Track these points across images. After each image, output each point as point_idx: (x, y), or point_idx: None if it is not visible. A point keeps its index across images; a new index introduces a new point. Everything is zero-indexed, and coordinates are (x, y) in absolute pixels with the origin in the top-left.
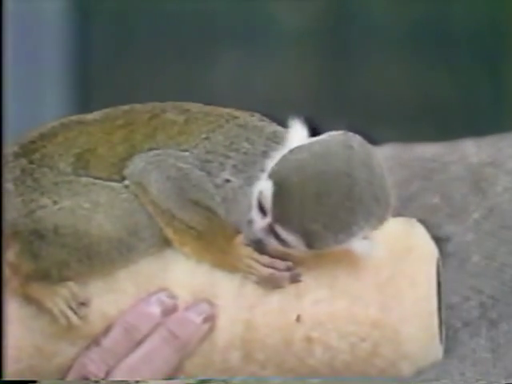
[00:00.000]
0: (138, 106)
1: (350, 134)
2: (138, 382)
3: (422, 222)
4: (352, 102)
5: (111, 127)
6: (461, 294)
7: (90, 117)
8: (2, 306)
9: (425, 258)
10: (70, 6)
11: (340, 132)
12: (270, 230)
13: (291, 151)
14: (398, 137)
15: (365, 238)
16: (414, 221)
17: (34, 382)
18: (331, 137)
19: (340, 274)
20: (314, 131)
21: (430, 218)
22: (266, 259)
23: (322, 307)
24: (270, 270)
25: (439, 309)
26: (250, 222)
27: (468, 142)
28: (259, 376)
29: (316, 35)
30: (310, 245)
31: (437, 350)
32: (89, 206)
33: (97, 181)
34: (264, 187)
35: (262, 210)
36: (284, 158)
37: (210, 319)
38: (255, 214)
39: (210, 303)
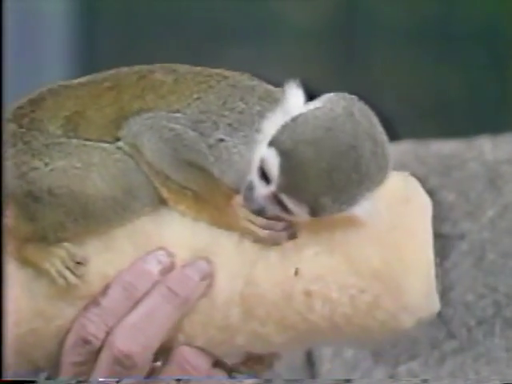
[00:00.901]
0: (124, 69)
1: (348, 97)
2: (118, 382)
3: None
4: (362, 97)
5: (98, 89)
6: (476, 292)
7: (76, 81)
8: (2, 306)
9: (421, 208)
10: (74, 7)
11: (338, 95)
12: (274, 197)
13: (294, 120)
14: (407, 134)
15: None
16: (407, 174)
17: (33, 382)
18: (331, 103)
19: (339, 227)
20: (309, 94)
21: (446, 215)
22: (262, 221)
23: (321, 260)
24: (267, 232)
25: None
26: (251, 189)
27: (484, 140)
28: (260, 334)
29: (324, 33)
30: (314, 214)
31: (434, 301)
32: (81, 166)
33: (88, 142)
34: (268, 155)
35: (265, 177)
36: (288, 127)
37: (208, 276)
38: (256, 181)
39: (208, 260)
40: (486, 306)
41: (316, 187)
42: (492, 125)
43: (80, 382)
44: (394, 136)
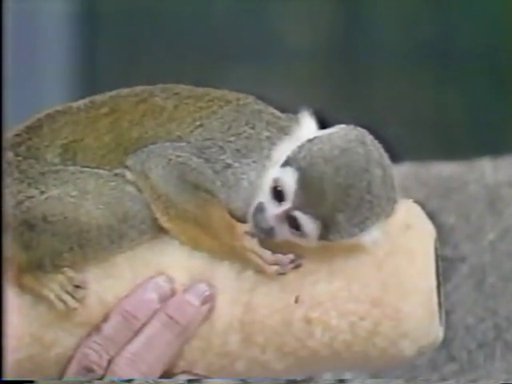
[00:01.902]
0: (124, 91)
1: (359, 128)
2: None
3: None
4: (362, 119)
5: (96, 116)
6: (476, 315)
7: (75, 105)
8: (3, 306)
9: (422, 235)
10: (76, 8)
11: (350, 126)
12: (286, 217)
13: (310, 141)
14: (408, 156)
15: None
16: (410, 201)
17: (32, 382)
18: (344, 130)
19: (338, 253)
20: (321, 124)
21: (446, 237)
22: (269, 256)
23: (321, 287)
24: (275, 268)
25: (438, 290)
26: (261, 210)
27: (485, 162)
28: (260, 361)
29: (326, 52)
30: (325, 235)
31: (437, 330)
32: (76, 194)
33: (85, 169)
34: (283, 174)
35: (278, 196)
36: (304, 146)
37: (209, 300)
38: (268, 202)
39: (208, 283)
40: (486, 330)
41: (332, 202)
42: (493, 147)
43: (81, 381)
44: (394, 157)
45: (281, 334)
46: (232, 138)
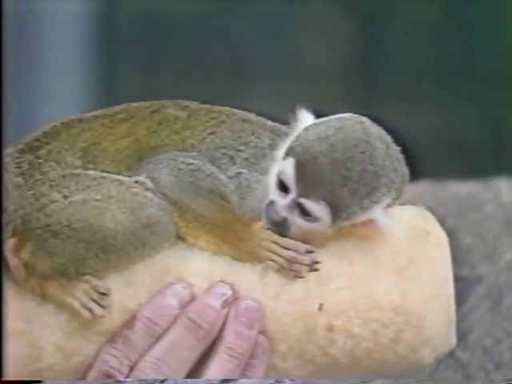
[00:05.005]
0: (134, 104)
1: (356, 115)
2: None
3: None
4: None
5: (112, 121)
6: (493, 337)
7: (88, 114)
8: (3, 306)
9: (440, 241)
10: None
11: (346, 114)
12: (295, 205)
13: (306, 128)
14: (424, 174)
15: (386, 209)
16: (423, 208)
17: (39, 381)
18: (340, 116)
19: (359, 260)
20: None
21: (463, 257)
22: (286, 241)
23: (343, 295)
24: (291, 253)
25: None
26: (271, 205)
27: (501, 181)
28: (280, 368)
29: (340, 72)
30: (336, 214)
31: (453, 337)
32: (100, 199)
33: (106, 174)
34: (283, 166)
35: (284, 187)
36: (300, 135)
37: (230, 302)
38: (276, 195)
39: (228, 284)
40: (503, 351)
41: (331, 178)
42: (509, 166)
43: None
44: (410, 176)
45: (303, 342)
46: (242, 147)
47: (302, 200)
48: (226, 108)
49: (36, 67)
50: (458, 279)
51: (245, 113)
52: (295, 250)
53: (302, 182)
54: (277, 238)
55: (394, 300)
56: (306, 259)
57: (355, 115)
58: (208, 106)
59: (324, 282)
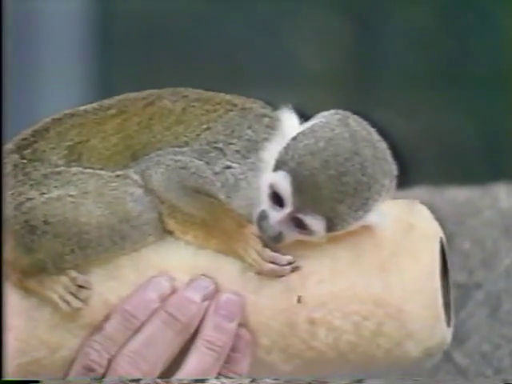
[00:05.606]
0: (132, 94)
1: (341, 111)
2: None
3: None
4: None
5: (103, 117)
6: (492, 342)
7: (82, 108)
8: (2, 306)
9: (426, 235)
10: (90, 8)
11: (331, 111)
12: (290, 219)
13: (294, 139)
14: (421, 180)
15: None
16: (416, 202)
17: (37, 381)
18: (325, 118)
19: (341, 253)
20: (303, 117)
21: (462, 263)
22: (268, 254)
23: (324, 288)
24: (271, 266)
25: (447, 290)
26: (265, 218)
27: (499, 187)
28: (266, 362)
29: (340, 75)
30: (332, 227)
31: (443, 331)
32: (76, 194)
33: (86, 170)
34: (276, 178)
35: (278, 201)
36: (290, 146)
37: (211, 295)
38: (269, 208)
39: (209, 278)
40: (502, 356)
41: (330, 195)
42: (507, 172)
43: (87, 382)
44: (408, 182)
45: (285, 336)
46: (234, 140)
47: (300, 215)
48: (228, 98)
49: (35, 67)
50: (456, 285)
51: (247, 104)
52: (276, 263)
53: (300, 198)
54: (260, 249)
55: (375, 292)
56: (287, 269)
57: (339, 114)
58: (208, 96)
59: (305, 276)
